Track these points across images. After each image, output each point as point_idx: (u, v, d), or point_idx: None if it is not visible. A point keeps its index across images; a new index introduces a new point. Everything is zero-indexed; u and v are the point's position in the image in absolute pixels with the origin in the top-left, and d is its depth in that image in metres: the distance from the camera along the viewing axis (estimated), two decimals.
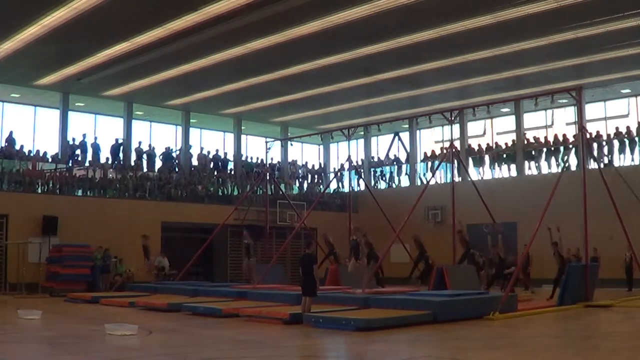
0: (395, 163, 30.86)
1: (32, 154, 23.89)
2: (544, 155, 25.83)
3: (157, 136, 28.14)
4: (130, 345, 9.84)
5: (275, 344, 10.35)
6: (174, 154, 27.85)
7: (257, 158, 30.51)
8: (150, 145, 27.20)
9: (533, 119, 27.19)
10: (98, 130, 26.39)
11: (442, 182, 27.02)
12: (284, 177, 30.60)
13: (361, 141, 32.17)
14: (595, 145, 23.04)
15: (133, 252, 21.85)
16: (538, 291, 19.77)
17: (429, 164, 29.04)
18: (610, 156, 23.52)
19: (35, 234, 20.86)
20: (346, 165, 24.49)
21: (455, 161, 19.53)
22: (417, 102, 26.38)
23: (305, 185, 31.45)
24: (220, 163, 28.98)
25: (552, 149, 25.61)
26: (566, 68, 21.87)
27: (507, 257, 18.63)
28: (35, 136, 24.96)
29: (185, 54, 20.15)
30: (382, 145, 32.20)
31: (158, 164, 27.09)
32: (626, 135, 23.87)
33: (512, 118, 27.50)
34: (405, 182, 30.21)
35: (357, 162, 30.60)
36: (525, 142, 26.57)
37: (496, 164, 27.08)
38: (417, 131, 30.59)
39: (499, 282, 18.44)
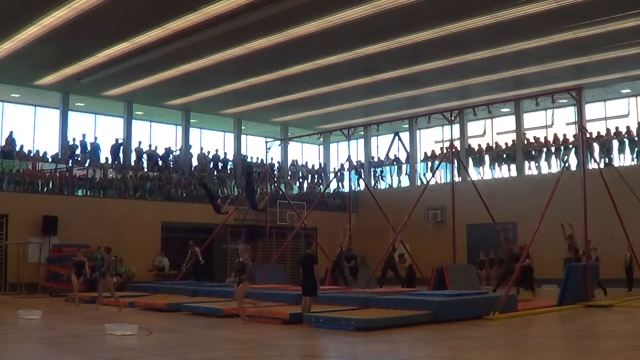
0: (395, 163, 30.85)
1: (32, 154, 23.89)
2: (544, 155, 25.82)
3: (157, 136, 28.14)
4: (130, 345, 9.84)
5: (275, 344, 10.35)
6: (172, 155, 27.84)
7: (257, 158, 30.52)
8: (150, 145, 27.20)
9: (533, 119, 27.18)
10: (98, 130, 26.40)
11: (442, 182, 27.01)
12: (283, 177, 30.60)
13: (361, 141, 32.16)
14: (595, 145, 23.03)
15: (133, 252, 21.89)
16: (538, 291, 19.79)
17: (429, 164, 29.03)
18: (610, 156, 23.50)
19: (35, 234, 20.86)
20: (346, 165, 24.49)
21: (455, 161, 19.54)
22: (417, 102, 26.37)
23: (305, 185, 31.44)
24: (220, 163, 28.98)
25: (552, 149, 25.60)
26: (566, 68, 21.86)
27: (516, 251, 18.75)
28: (35, 136, 24.96)
29: (185, 54, 20.15)
30: (382, 145, 32.20)
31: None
32: (626, 135, 23.86)
33: (512, 118, 27.49)
34: (405, 182, 30.20)
35: (357, 162, 30.61)
36: (525, 142, 26.57)
37: (496, 164, 27.08)
38: (417, 131, 30.58)
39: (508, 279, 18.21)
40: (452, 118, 19.41)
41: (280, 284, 18.96)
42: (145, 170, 26.23)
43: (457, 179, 22.00)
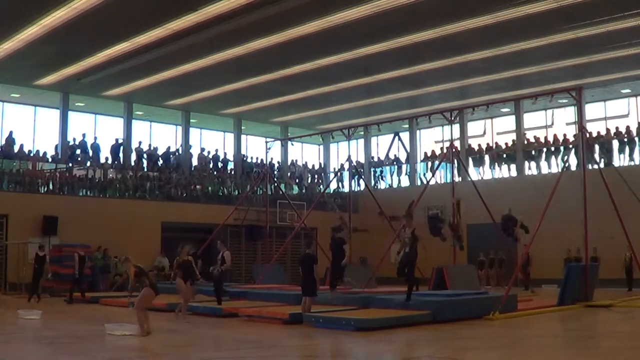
0: (395, 163, 30.85)
1: (32, 154, 23.89)
2: (544, 155, 25.82)
3: (157, 136, 28.13)
4: (130, 345, 9.84)
5: (275, 344, 10.35)
6: (173, 155, 27.85)
7: (257, 158, 30.52)
8: (150, 145, 27.20)
9: (533, 119, 27.18)
10: (98, 130, 26.38)
11: (442, 182, 27.00)
12: (284, 176, 30.61)
13: (361, 141, 32.16)
14: (595, 145, 23.03)
15: (133, 252, 21.87)
16: (538, 291, 19.80)
17: (429, 164, 29.03)
18: (610, 156, 23.49)
19: (35, 234, 20.84)
20: (346, 165, 24.49)
21: (455, 161, 19.54)
22: (417, 102, 26.37)
23: (305, 185, 31.42)
24: (220, 163, 28.98)
25: (552, 149, 25.60)
26: (566, 68, 21.86)
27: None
28: (35, 136, 24.95)
29: (185, 54, 20.14)
30: (382, 145, 32.20)
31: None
32: (626, 135, 23.86)
33: (512, 118, 27.49)
34: (405, 182, 30.20)
35: (357, 162, 30.58)
36: (525, 142, 26.57)
37: (496, 164, 27.07)
38: (417, 131, 30.58)
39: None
40: (452, 118, 19.41)
41: (280, 284, 18.96)
42: (145, 170, 26.23)
43: (457, 179, 21.99)
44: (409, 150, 30.54)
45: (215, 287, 14.89)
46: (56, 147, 24.79)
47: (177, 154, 28.06)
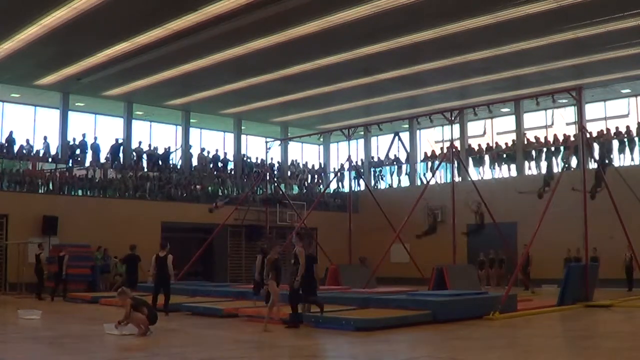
0: (395, 163, 30.85)
1: (32, 154, 23.88)
2: (544, 155, 25.81)
3: (157, 136, 28.14)
4: (130, 345, 9.84)
5: (275, 344, 10.35)
6: (172, 154, 27.84)
7: (257, 158, 30.52)
8: (150, 145, 27.20)
9: (533, 119, 27.17)
10: (98, 130, 26.39)
11: (442, 182, 27.00)
12: (284, 177, 30.61)
13: (361, 141, 32.16)
14: (595, 145, 23.01)
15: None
16: (538, 291, 19.79)
17: (429, 164, 29.02)
18: (610, 156, 23.48)
19: (35, 234, 20.86)
20: (346, 165, 24.50)
21: (455, 161, 19.54)
22: (417, 102, 26.37)
23: (305, 184, 31.42)
24: (220, 163, 28.99)
25: (552, 149, 25.58)
26: (566, 68, 21.86)
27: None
28: (35, 136, 24.95)
29: (185, 54, 20.15)
30: (382, 145, 32.20)
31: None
32: (626, 135, 23.85)
33: (512, 118, 27.49)
34: (405, 182, 30.20)
35: (357, 162, 30.58)
36: (525, 142, 26.56)
37: (496, 164, 27.06)
38: (417, 131, 30.58)
39: None
40: (452, 118, 19.41)
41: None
42: (145, 170, 26.24)
43: (457, 179, 21.98)
44: (409, 150, 30.54)
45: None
46: (39, 141, 24.66)
47: (180, 151, 28.14)
